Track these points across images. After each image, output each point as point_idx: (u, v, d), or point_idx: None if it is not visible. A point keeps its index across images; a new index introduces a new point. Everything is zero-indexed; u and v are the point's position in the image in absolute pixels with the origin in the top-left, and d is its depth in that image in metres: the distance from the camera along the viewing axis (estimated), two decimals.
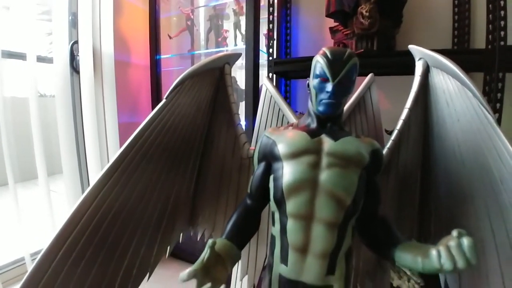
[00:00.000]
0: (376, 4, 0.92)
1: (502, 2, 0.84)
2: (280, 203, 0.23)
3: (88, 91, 1.22)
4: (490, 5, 0.85)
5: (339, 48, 0.25)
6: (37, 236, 1.17)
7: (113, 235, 0.28)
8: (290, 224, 0.22)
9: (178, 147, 0.31)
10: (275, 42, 1.20)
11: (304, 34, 1.31)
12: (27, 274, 0.25)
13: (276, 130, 0.26)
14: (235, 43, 1.26)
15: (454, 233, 0.19)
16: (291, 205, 0.22)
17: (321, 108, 0.25)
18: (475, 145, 0.23)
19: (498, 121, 0.85)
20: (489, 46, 0.85)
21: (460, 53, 0.97)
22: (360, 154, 0.23)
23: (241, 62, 1.21)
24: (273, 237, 0.24)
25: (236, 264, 0.33)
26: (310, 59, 0.95)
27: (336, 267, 0.22)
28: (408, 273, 1.03)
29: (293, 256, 0.22)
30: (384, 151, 0.27)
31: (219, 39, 1.40)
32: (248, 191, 0.28)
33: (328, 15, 1.08)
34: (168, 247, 0.35)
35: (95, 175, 1.30)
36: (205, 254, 0.22)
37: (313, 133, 0.24)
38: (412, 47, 0.31)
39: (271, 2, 1.13)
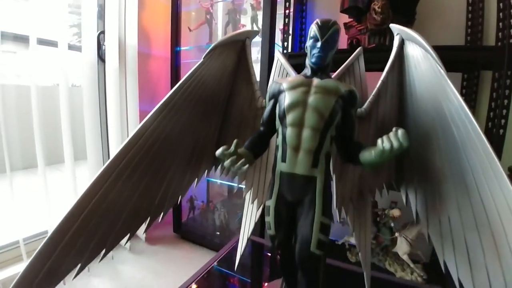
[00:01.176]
0: (389, 0, 0.95)
1: None
2: (282, 118, 0.33)
3: (113, 79, 1.31)
4: (501, 4, 0.87)
5: (326, 18, 0.32)
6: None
7: (157, 160, 0.36)
8: (289, 131, 0.32)
9: (208, 99, 0.40)
10: (290, 36, 1.25)
11: None
12: (87, 186, 0.32)
13: (282, 78, 0.37)
14: None
15: (394, 129, 0.27)
16: (289, 118, 0.32)
17: (313, 60, 0.34)
18: (434, 96, 0.29)
19: (506, 117, 0.88)
20: (499, 43, 0.87)
21: (472, 50, 0.99)
22: (338, 88, 0.33)
23: (256, 56, 1.26)
24: (277, 146, 0.34)
25: (248, 193, 0.44)
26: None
27: (318, 163, 0.31)
28: (411, 265, 1.07)
29: (289, 154, 0.32)
30: (366, 104, 0.34)
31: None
32: (261, 122, 0.37)
33: (343, 10, 1.11)
34: (196, 180, 0.43)
35: None
36: (232, 145, 0.31)
37: (307, 77, 0.34)
38: (392, 25, 0.36)
39: None
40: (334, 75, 0.39)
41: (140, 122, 1.09)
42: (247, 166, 0.31)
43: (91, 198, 0.32)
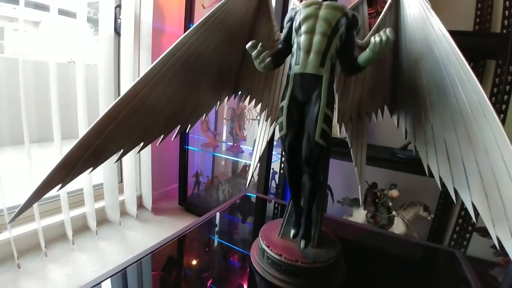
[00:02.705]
0: None
1: None
2: (298, 29, 0.39)
3: (127, 53, 1.35)
4: None
5: None
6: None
7: (191, 73, 0.43)
8: (303, 38, 0.38)
9: (235, 30, 0.46)
10: None
11: None
12: (135, 82, 0.38)
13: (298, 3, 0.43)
14: None
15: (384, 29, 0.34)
16: (304, 27, 0.38)
17: None
18: (421, 26, 0.35)
19: (507, 103, 0.91)
20: (504, 31, 0.89)
21: (477, 35, 1.01)
22: (343, 8, 0.38)
23: None
24: (292, 54, 0.40)
25: (263, 112, 0.51)
26: None
27: (325, 63, 0.37)
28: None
29: (302, 57, 0.38)
30: (367, 37, 0.39)
31: None
32: (279, 42, 0.43)
33: None
34: (218, 102, 0.52)
35: None
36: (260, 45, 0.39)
37: (319, 1, 0.40)
38: None
39: None
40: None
41: None
42: (267, 61, 0.39)
43: (137, 93, 0.38)
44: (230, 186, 1.65)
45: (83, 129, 1.25)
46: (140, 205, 1.64)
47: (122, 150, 0.40)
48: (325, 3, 0.38)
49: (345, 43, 0.37)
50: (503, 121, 0.89)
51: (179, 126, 0.46)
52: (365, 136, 0.43)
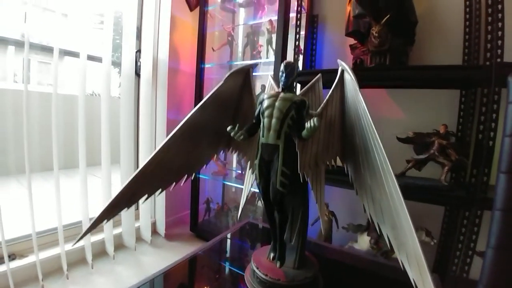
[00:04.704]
0: (387, 25, 1.08)
1: (500, 24, 0.96)
2: (262, 113, 0.53)
3: (146, 91, 1.51)
4: (488, 26, 0.98)
5: (288, 61, 0.56)
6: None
7: (195, 137, 0.59)
8: (265, 120, 0.52)
9: (226, 103, 0.63)
10: (301, 55, 1.40)
11: (328, 49, 1.49)
12: (158, 147, 0.53)
13: (265, 92, 0.59)
14: (267, 56, 1.47)
15: (314, 118, 0.47)
16: (266, 113, 0.52)
17: (281, 83, 0.55)
18: (354, 101, 0.44)
19: (494, 130, 0.95)
20: (487, 62, 0.96)
21: (463, 68, 1.08)
22: (292, 98, 0.52)
23: (271, 73, 1.41)
24: (260, 129, 0.55)
25: (248, 163, 0.65)
26: (330, 71, 1.14)
27: (280, 137, 0.51)
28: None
29: (265, 132, 0.52)
30: (319, 108, 0.50)
31: (254, 52, 1.62)
32: (253, 117, 0.58)
33: (347, 34, 1.25)
34: (215, 155, 0.69)
35: (144, 160, 1.57)
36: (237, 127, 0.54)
37: (278, 92, 0.55)
38: (338, 61, 0.54)
39: (298, 23, 1.34)
40: (299, 92, 0.61)
41: (167, 129, 1.27)
42: (242, 136, 0.54)
43: (157, 156, 0.53)
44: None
45: (105, 156, 1.39)
46: (154, 231, 1.73)
47: (146, 195, 0.55)
48: (280, 95, 0.53)
49: (296, 121, 0.51)
50: (491, 148, 0.94)
51: (186, 174, 0.61)
52: (322, 179, 0.55)
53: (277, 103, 0.51)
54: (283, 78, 0.54)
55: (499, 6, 0.99)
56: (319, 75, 0.62)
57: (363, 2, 1.11)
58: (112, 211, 0.50)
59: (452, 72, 1.04)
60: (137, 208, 1.68)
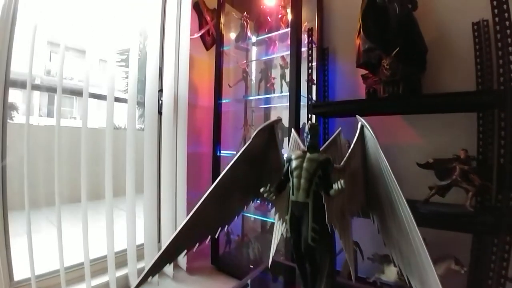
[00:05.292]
0: (397, 55, 1.11)
1: (510, 48, 0.97)
2: (291, 173, 0.57)
3: (167, 127, 1.59)
4: (499, 51, 0.99)
5: (312, 123, 0.61)
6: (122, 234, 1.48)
7: (227, 192, 0.65)
8: (294, 180, 0.56)
9: (253, 157, 0.68)
10: (314, 88, 1.45)
11: (340, 79, 1.54)
12: (195, 207, 0.60)
13: (293, 151, 0.57)
14: (281, 90, 1.54)
15: (341, 180, 0.43)
16: (294, 174, 0.57)
17: (307, 144, 0.60)
18: (376, 157, 0.46)
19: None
20: (501, 87, 0.97)
21: (476, 94, 1.09)
22: (318, 158, 0.57)
23: (286, 104, 1.47)
24: (288, 187, 0.60)
25: (277, 214, 0.68)
26: (343, 102, 1.19)
27: (309, 195, 0.55)
28: None
29: (295, 191, 0.56)
30: (342, 162, 0.52)
31: (268, 85, 1.69)
32: (282, 174, 0.63)
33: (358, 66, 1.30)
34: (245, 206, 0.74)
35: (166, 192, 1.61)
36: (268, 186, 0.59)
37: (304, 152, 0.59)
38: (357, 117, 0.62)
39: (310, 56, 1.40)
40: (322, 147, 0.65)
41: (186, 162, 1.32)
42: (274, 196, 0.59)
43: (197, 212, 0.59)
44: (260, 244, 1.70)
45: (130, 186, 1.44)
46: (176, 264, 1.73)
47: (186, 250, 0.61)
48: (306, 156, 0.58)
49: (322, 178, 0.56)
50: None
51: (220, 228, 0.67)
52: (350, 229, 0.58)
53: (304, 164, 0.56)
54: (308, 139, 0.60)
55: (508, 31, 1.01)
56: (339, 129, 0.66)
57: (372, 36, 1.16)
58: (156, 269, 0.56)
59: (467, 98, 1.05)
60: (159, 241, 1.70)
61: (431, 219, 1.03)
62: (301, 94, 1.39)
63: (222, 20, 1.69)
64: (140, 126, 2.06)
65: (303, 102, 1.42)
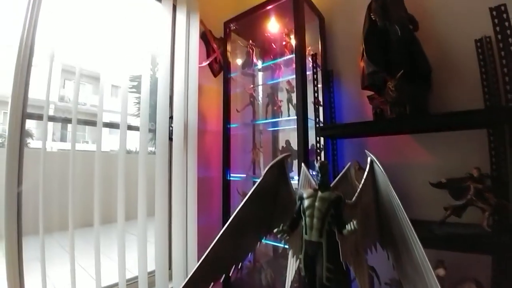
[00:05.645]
0: (402, 77, 1.13)
1: None
2: (304, 212, 0.57)
3: (177, 153, 1.62)
4: (504, 68, 1.00)
5: (322, 161, 0.62)
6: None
7: (241, 229, 0.67)
8: (307, 219, 0.56)
9: (265, 194, 0.67)
10: (321, 109, 1.47)
11: (346, 100, 1.56)
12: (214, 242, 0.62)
13: (304, 189, 0.57)
14: (288, 114, 1.56)
15: (353, 221, 0.42)
16: (307, 213, 0.56)
17: (319, 183, 0.60)
18: (387, 193, 0.46)
19: None
20: (510, 103, 0.96)
21: (488, 111, 1.08)
22: (330, 197, 0.56)
23: (293, 126, 1.48)
24: (301, 226, 0.59)
25: (291, 251, 0.59)
26: (350, 124, 1.20)
27: (322, 235, 0.55)
28: None
29: (308, 231, 0.56)
30: (354, 198, 0.52)
31: (275, 107, 1.73)
32: (294, 211, 0.63)
33: (363, 87, 1.32)
34: (258, 243, 0.73)
35: (177, 217, 1.62)
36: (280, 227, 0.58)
37: (315, 190, 0.59)
38: (367, 152, 0.57)
39: (315, 78, 1.44)
40: (333, 183, 0.67)
41: (196, 186, 1.33)
42: (288, 236, 0.60)
43: (212, 250, 0.61)
44: (272, 269, 1.66)
45: (142, 212, 1.46)
46: None
47: (212, 284, 0.64)
48: (318, 195, 0.58)
49: (335, 216, 0.56)
50: None
51: (234, 265, 0.68)
52: (365, 265, 0.58)
53: (316, 204, 0.57)
54: (319, 178, 0.61)
55: None
56: (349, 163, 0.68)
57: (375, 59, 1.19)
58: None
59: (477, 115, 1.05)
60: (170, 268, 1.68)
61: (448, 241, 1.00)
62: (308, 116, 1.41)
63: (229, 48, 1.77)
64: (150, 150, 2.11)
65: (311, 124, 1.44)
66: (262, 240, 0.74)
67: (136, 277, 1.48)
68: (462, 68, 1.28)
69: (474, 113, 1.06)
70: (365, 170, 0.58)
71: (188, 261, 1.71)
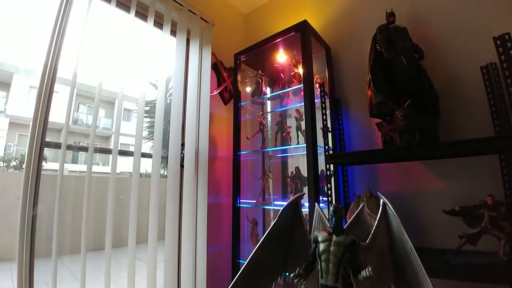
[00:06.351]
0: (410, 106, 1.15)
1: None
2: (319, 256, 0.57)
3: (188, 179, 1.64)
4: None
5: (336, 204, 0.60)
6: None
7: (258, 272, 0.62)
8: (323, 264, 0.57)
9: (280, 236, 0.67)
10: (330, 136, 1.49)
11: (355, 128, 1.58)
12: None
13: (319, 231, 0.59)
14: (298, 141, 1.59)
15: (368, 267, 0.45)
16: (322, 258, 0.57)
17: (333, 226, 0.62)
18: (400, 235, 0.46)
19: None
20: None
21: (499, 138, 1.08)
22: (344, 241, 0.57)
23: (303, 152, 1.50)
24: (317, 270, 0.60)
25: None
26: (360, 152, 1.21)
27: (338, 279, 0.55)
28: None
29: (324, 275, 0.56)
30: (368, 240, 0.53)
31: (284, 134, 1.76)
32: (310, 254, 0.64)
33: (372, 116, 1.34)
34: (274, 283, 0.74)
35: (187, 243, 1.61)
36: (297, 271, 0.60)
37: (330, 234, 0.60)
38: (378, 194, 0.59)
39: (323, 106, 1.47)
40: (346, 225, 0.66)
41: (206, 212, 1.33)
42: (304, 281, 0.60)
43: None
44: None
45: (152, 239, 1.45)
46: None
47: None
48: (333, 239, 0.59)
49: (349, 260, 0.57)
50: None
51: None
52: None
53: (332, 249, 0.58)
54: (333, 222, 0.62)
55: None
56: (362, 204, 0.69)
57: (382, 90, 1.22)
58: None
59: (486, 143, 1.05)
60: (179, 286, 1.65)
61: (465, 272, 0.97)
62: (318, 143, 1.43)
63: (239, 78, 1.84)
64: (161, 172, 2.14)
65: (320, 150, 1.45)
66: (278, 280, 0.74)
67: None
68: (469, 94, 1.30)
69: (484, 140, 1.06)
70: (376, 197, 0.60)
71: (197, 275, 1.67)
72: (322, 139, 1.47)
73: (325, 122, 1.52)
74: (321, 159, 1.42)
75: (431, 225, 1.29)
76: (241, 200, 1.72)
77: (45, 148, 1.29)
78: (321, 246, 0.60)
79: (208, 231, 1.65)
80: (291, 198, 0.73)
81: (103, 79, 1.50)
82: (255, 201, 1.69)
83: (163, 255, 1.56)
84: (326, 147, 1.39)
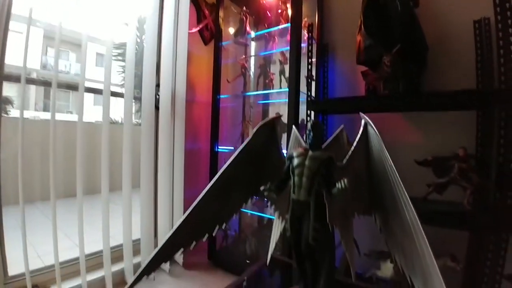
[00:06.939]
0: (398, 53, 1.10)
1: None
2: (293, 171, 0.56)
3: (164, 123, 1.57)
4: (501, 50, 0.99)
5: (315, 120, 0.52)
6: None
7: (227, 189, 0.65)
8: (296, 178, 0.56)
9: (253, 154, 0.68)
10: (313, 84, 1.43)
11: (340, 76, 1.52)
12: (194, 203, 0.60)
13: (295, 148, 0.55)
14: (280, 86, 1.52)
15: (344, 179, 0.49)
16: (296, 171, 0.56)
17: (309, 142, 0.59)
18: (379, 156, 0.46)
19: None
20: (502, 85, 0.97)
21: (480, 92, 1.08)
22: (321, 157, 0.56)
23: (285, 100, 1.45)
24: (289, 185, 0.59)
25: (277, 212, 0.67)
26: (342, 99, 1.18)
27: (311, 194, 0.54)
28: None
29: (296, 190, 0.55)
30: (345, 160, 0.51)
31: (267, 81, 1.68)
32: (283, 172, 0.62)
33: (359, 63, 1.29)
34: (244, 203, 0.74)
35: (163, 188, 1.60)
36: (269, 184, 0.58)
37: (306, 149, 0.58)
38: (361, 114, 0.56)
39: (309, 52, 1.39)
40: (324, 144, 0.64)
41: (184, 158, 1.31)
42: (275, 196, 0.59)
43: (195, 209, 0.59)
44: (257, 239, 1.70)
45: (126, 181, 1.43)
46: (172, 259, 1.72)
47: (182, 248, 0.61)
48: (309, 154, 0.57)
49: (325, 176, 0.55)
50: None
51: (218, 226, 0.67)
52: (351, 229, 0.58)
53: (307, 162, 0.56)
54: (310, 137, 0.59)
55: (510, 30, 1.00)
56: (342, 126, 0.65)
57: (373, 33, 1.15)
58: (152, 267, 0.59)
59: (468, 96, 1.05)
60: (156, 236, 1.70)
61: (429, 217, 1.03)
62: (301, 90, 1.38)
63: (221, 14, 1.67)
64: (136, 121, 2.04)
65: (302, 98, 1.41)
66: (248, 202, 0.73)
67: (121, 245, 1.48)
68: (459, 48, 1.26)
69: (465, 93, 1.06)
70: (353, 144, 0.58)
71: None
72: (305, 86, 1.41)
73: (310, 69, 1.45)
74: (303, 109, 1.39)
75: (402, 175, 1.34)
76: (219, 146, 1.69)
77: (13, 96, 1.17)
78: (296, 161, 0.57)
79: (185, 176, 1.64)
80: (267, 118, 0.69)
81: (68, 19, 1.32)
82: (233, 147, 1.67)
83: (139, 200, 1.56)
84: (309, 92, 1.34)
